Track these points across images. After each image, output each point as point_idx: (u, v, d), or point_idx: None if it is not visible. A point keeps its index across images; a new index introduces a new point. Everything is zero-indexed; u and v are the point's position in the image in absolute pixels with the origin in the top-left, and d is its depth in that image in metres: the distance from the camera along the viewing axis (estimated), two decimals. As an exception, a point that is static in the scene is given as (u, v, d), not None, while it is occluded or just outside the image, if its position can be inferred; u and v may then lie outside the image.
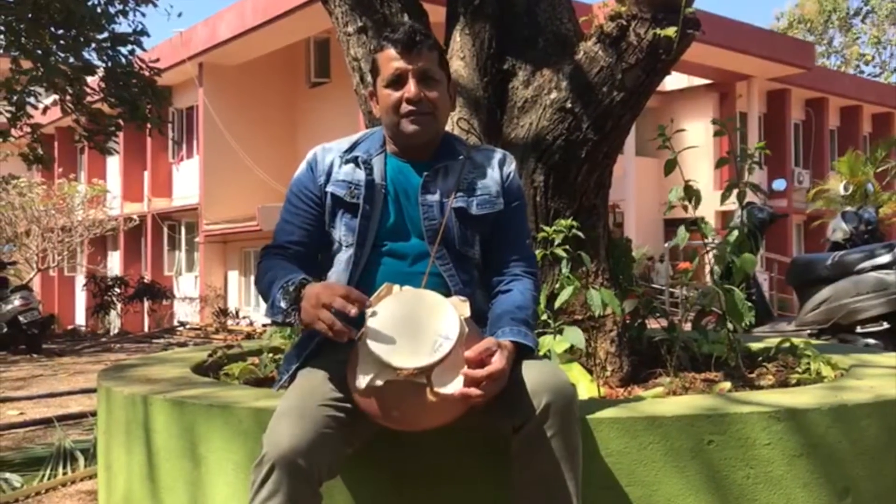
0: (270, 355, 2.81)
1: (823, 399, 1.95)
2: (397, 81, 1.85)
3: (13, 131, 9.43)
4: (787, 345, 2.81)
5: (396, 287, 1.70)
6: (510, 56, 2.84)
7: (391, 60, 1.85)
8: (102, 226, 17.62)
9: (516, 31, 2.85)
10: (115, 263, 21.53)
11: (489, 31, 2.84)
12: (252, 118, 18.16)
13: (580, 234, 2.51)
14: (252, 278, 15.25)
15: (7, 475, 3.51)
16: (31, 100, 9.31)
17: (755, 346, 2.95)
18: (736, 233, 2.57)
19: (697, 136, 14.13)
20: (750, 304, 2.60)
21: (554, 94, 2.69)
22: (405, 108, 1.85)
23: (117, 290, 17.86)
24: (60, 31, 8.92)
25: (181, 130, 19.89)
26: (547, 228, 2.54)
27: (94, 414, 4.30)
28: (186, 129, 19.81)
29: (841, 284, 5.22)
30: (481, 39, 2.83)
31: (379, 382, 1.58)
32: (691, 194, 2.57)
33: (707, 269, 2.78)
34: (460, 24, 2.87)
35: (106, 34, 9.15)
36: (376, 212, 1.89)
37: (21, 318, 10.67)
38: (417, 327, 1.63)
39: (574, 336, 2.30)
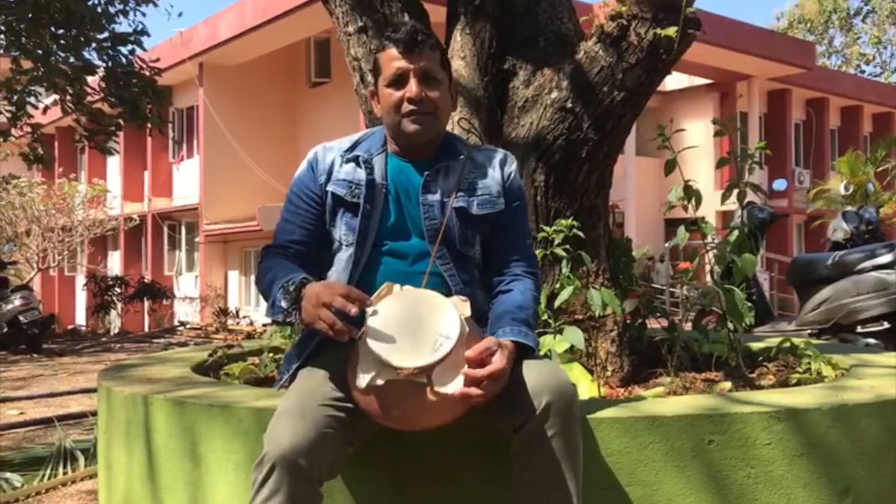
0: (271, 355, 2.81)
1: (824, 399, 1.95)
2: (399, 81, 1.85)
3: (13, 131, 9.44)
4: (787, 345, 2.81)
5: (397, 287, 1.70)
6: (510, 56, 2.84)
7: (393, 60, 1.85)
8: (103, 225, 17.63)
9: (517, 31, 2.85)
10: (115, 263, 21.53)
11: (489, 31, 2.84)
12: (252, 118, 18.16)
13: (580, 233, 2.51)
14: (252, 278, 15.34)
15: (7, 475, 3.52)
16: (32, 100, 9.31)
17: (756, 345, 2.95)
18: (736, 233, 2.57)
19: (698, 136, 14.14)
20: (750, 303, 2.60)
21: (554, 94, 2.69)
22: (406, 107, 1.85)
23: (117, 289, 17.87)
24: (61, 31, 8.92)
25: (181, 130, 19.89)
26: (547, 228, 2.54)
27: (94, 414, 4.30)
28: (187, 128, 19.81)
29: (841, 284, 5.22)
30: (482, 39, 2.83)
31: (379, 382, 1.58)
32: (691, 194, 2.57)
33: (707, 269, 2.78)
34: (461, 24, 2.87)
35: (106, 34, 9.15)
36: (377, 211, 1.89)
37: (21, 318, 10.68)
38: (418, 327, 1.63)
39: (574, 336, 2.30)
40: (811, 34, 35.66)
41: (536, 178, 2.69)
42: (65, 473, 3.60)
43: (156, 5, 9.89)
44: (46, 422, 4.84)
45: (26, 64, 8.86)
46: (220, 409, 1.98)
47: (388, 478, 1.87)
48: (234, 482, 1.94)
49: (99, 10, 8.99)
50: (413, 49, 1.84)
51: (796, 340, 2.82)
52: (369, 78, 2.41)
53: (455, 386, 1.59)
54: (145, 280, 18.44)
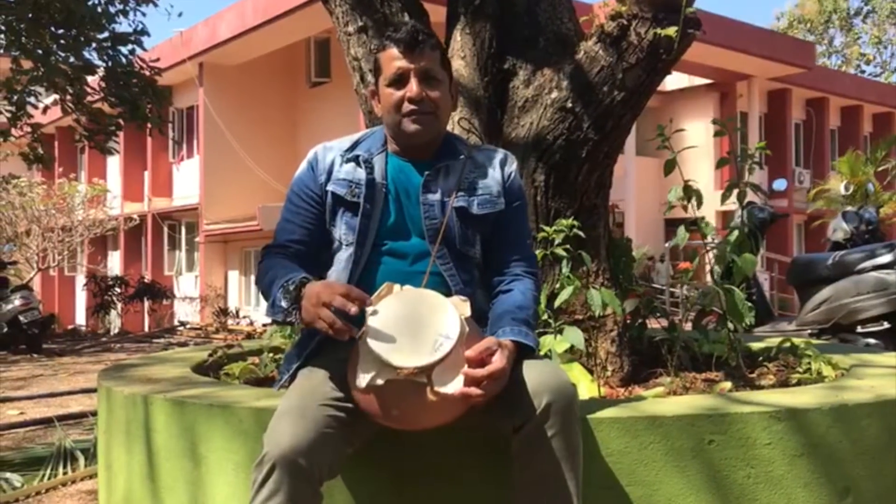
0: (271, 355, 2.81)
1: (824, 399, 1.95)
2: (399, 81, 1.85)
3: (13, 131, 9.44)
4: (787, 345, 2.81)
5: (397, 286, 1.70)
6: (510, 56, 2.84)
7: (393, 60, 1.85)
8: (103, 225, 17.63)
9: (517, 31, 2.85)
10: (115, 263, 21.53)
11: (489, 31, 2.84)
12: (252, 118, 18.16)
13: (580, 233, 2.51)
14: (252, 278, 15.34)
15: (7, 475, 3.52)
16: (32, 99, 9.31)
17: (756, 345, 2.95)
18: (736, 233, 2.57)
19: (698, 136, 14.14)
20: (750, 303, 2.60)
21: (554, 94, 2.69)
22: (407, 107, 1.85)
23: (117, 289, 17.88)
24: (61, 31, 8.92)
25: (181, 130, 19.89)
26: (547, 228, 2.53)
27: (94, 414, 4.30)
28: (187, 128, 19.81)
29: (841, 284, 5.22)
30: (482, 39, 2.83)
31: (379, 381, 1.58)
32: (691, 194, 2.57)
33: (707, 269, 2.78)
34: (461, 24, 2.87)
35: (106, 34, 9.15)
36: (377, 211, 1.89)
37: (21, 318, 10.68)
38: (418, 326, 1.63)
39: (574, 336, 2.30)
40: (811, 34, 35.66)
41: (536, 178, 2.69)
42: (65, 473, 3.60)
43: (156, 5, 9.89)
44: (46, 422, 4.84)
45: (26, 64, 8.87)
46: (221, 409, 1.98)
47: (388, 478, 1.87)
48: (234, 482, 1.94)
49: (99, 9, 8.99)
50: (414, 49, 1.84)
51: (796, 340, 2.82)
52: (369, 78, 2.42)
53: (455, 386, 1.58)
54: (145, 280, 18.44)
